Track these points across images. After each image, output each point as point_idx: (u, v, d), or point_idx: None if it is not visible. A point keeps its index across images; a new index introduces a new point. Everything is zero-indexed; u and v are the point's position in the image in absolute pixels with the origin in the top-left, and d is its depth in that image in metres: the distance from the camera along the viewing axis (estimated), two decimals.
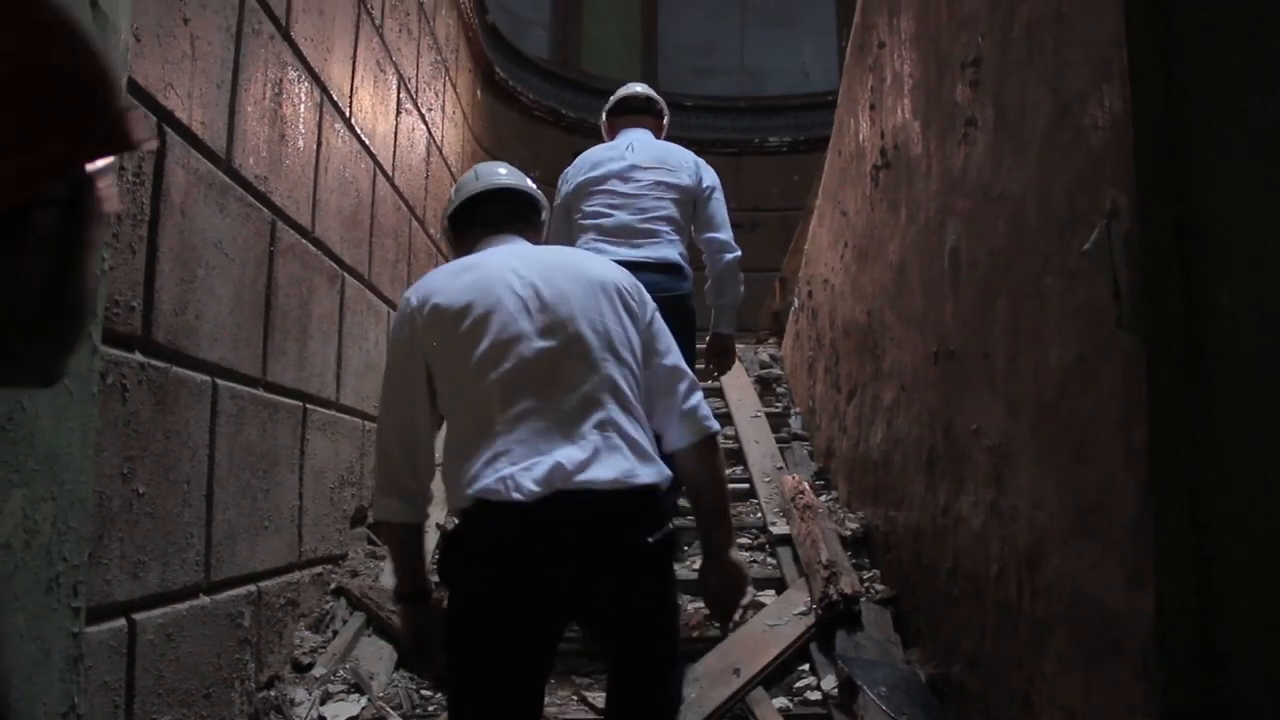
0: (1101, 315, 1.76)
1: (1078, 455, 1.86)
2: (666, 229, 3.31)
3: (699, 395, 1.87)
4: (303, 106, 2.87)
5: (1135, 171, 1.66)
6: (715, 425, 1.87)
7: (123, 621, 1.88)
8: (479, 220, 1.98)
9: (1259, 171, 1.51)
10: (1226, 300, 1.55)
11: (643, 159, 3.41)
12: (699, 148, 8.02)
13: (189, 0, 2.11)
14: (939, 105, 2.70)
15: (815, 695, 2.69)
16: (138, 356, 1.94)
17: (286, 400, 2.76)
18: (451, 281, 1.79)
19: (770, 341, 6.10)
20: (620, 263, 2.04)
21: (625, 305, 1.83)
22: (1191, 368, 1.60)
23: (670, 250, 3.29)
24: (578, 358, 1.71)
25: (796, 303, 5.07)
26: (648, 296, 1.91)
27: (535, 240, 2.01)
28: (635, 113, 3.69)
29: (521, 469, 1.59)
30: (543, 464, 1.59)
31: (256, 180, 2.52)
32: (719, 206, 3.47)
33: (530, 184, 2.06)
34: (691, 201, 3.42)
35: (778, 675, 2.78)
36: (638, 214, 3.29)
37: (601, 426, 1.67)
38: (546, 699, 1.90)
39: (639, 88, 3.85)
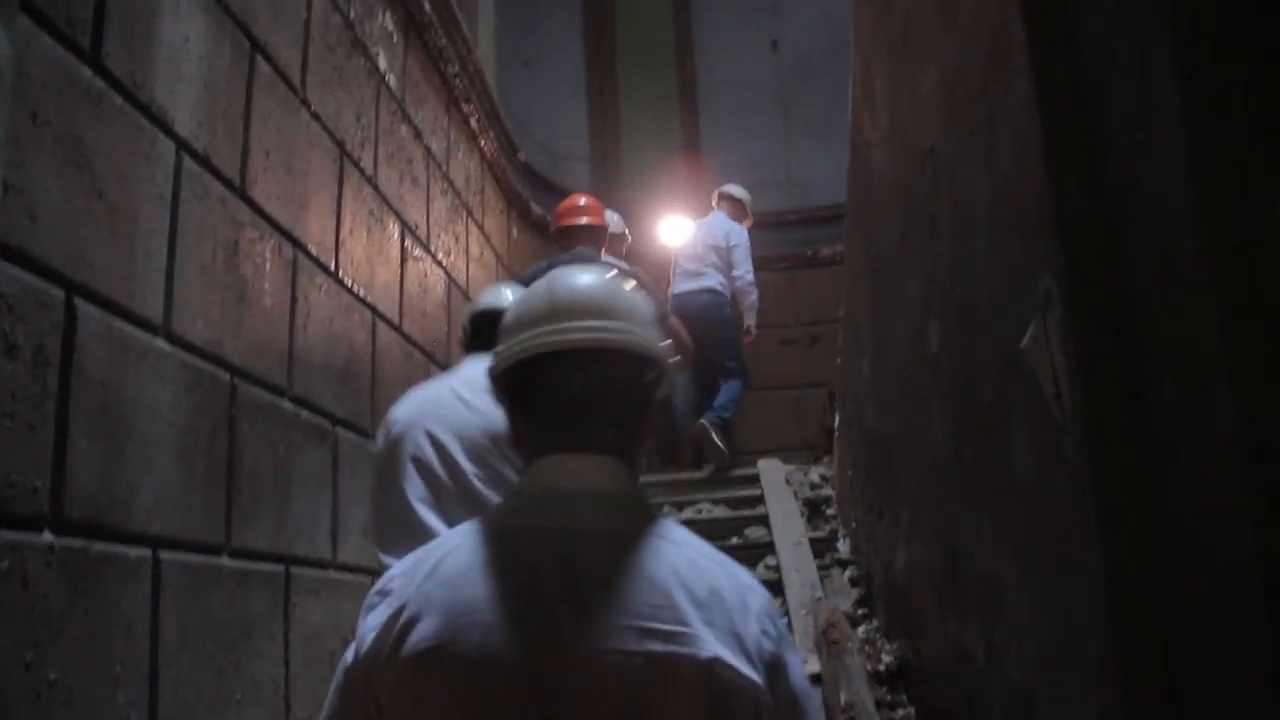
0: (1051, 421, 1.54)
1: (1047, 583, 1.61)
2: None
3: (748, 279, 6.22)
4: (268, 265, 2.86)
5: (1062, 251, 1.47)
6: (750, 288, 6.29)
7: None
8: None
9: (1179, 244, 1.30)
10: (1168, 395, 1.32)
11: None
12: (754, 264, 7.99)
13: (106, 175, 2.11)
14: (909, 202, 2.53)
15: None
16: (46, 537, 1.87)
17: (260, 566, 2.66)
18: None
19: (825, 461, 5.81)
20: None
21: (726, 241, 6.20)
22: (1147, 474, 1.37)
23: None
24: (704, 260, 6.21)
25: (839, 418, 4.83)
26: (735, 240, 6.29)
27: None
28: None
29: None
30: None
31: (207, 344, 2.48)
32: None
33: None
34: None
35: None
36: None
37: (707, 279, 6.09)
38: None
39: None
